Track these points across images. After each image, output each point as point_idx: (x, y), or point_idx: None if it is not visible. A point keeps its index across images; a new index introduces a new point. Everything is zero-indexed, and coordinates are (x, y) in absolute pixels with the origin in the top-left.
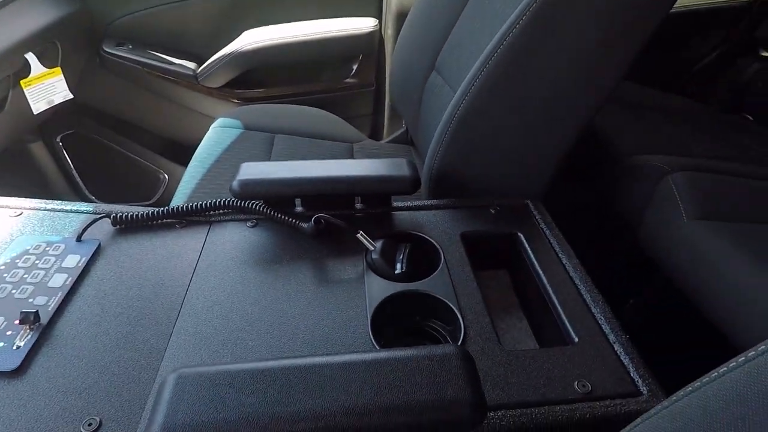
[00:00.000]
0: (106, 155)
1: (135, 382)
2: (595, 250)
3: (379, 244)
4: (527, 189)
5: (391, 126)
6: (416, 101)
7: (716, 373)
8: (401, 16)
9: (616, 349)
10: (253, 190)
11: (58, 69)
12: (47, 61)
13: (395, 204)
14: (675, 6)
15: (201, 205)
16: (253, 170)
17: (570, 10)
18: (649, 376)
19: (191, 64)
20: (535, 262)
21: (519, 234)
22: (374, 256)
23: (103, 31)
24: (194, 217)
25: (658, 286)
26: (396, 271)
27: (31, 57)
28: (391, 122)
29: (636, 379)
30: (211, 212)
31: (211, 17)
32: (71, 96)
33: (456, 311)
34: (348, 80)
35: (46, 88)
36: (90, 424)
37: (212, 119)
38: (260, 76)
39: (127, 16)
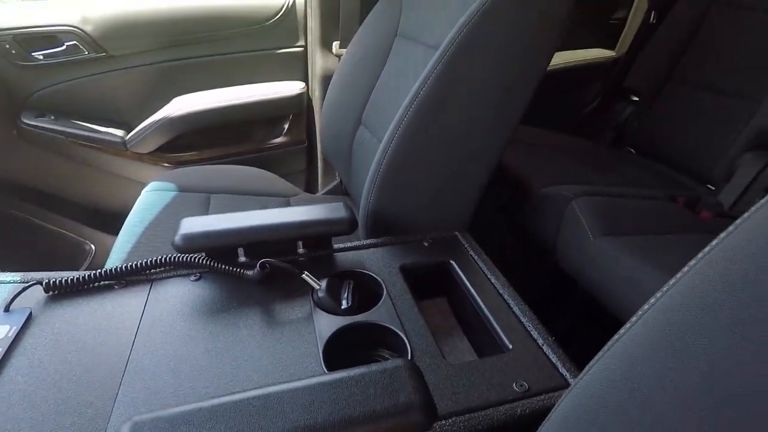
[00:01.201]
0: (27, 230)
1: None
2: (523, 275)
3: (324, 282)
4: (455, 221)
5: (325, 179)
6: (347, 154)
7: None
8: (326, 79)
9: (545, 350)
10: (196, 243)
11: None
12: None
13: (336, 246)
14: (561, 63)
15: (141, 263)
16: (194, 224)
17: (471, 65)
18: (576, 369)
19: (119, 132)
20: (469, 286)
21: (452, 262)
22: (320, 294)
23: (21, 104)
24: (134, 276)
25: (580, 300)
26: (342, 307)
27: None
28: (324, 176)
29: (564, 374)
30: (152, 270)
31: (137, 86)
32: None
33: (401, 335)
34: (280, 139)
35: None
36: None
37: (143, 185)
38: (192, 139)
39: (48, 88)
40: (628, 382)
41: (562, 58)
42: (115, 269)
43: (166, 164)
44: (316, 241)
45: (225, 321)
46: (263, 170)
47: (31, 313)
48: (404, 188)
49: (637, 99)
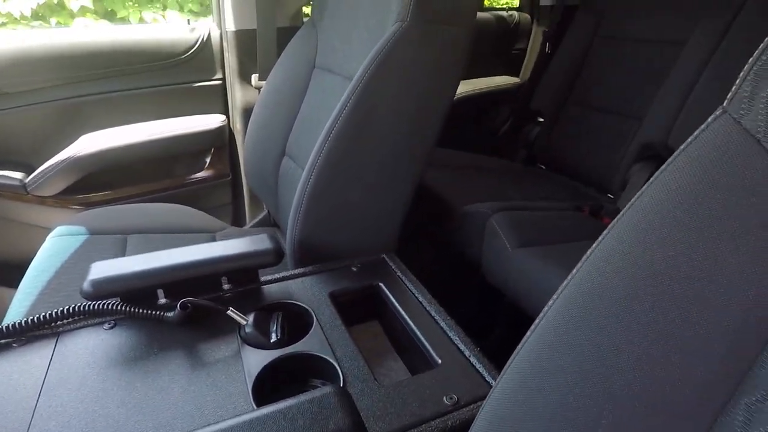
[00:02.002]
0: None
1: None
2: (452, 291)
3: (251, 317)
4: (381, 244)
5: (252, 211)
6: (273, 185)
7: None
8: (247, 111)
9: (472, 361)
10: (108, 288)
11: None
12: None
13: (263, 278)
14: (474, 89)
15: (43, 316)
16: (105, 268)
17: (383, 95)
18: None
19: (16, 174)
20: (398, 307)
21: (381, 285)
22: (248, 329)
23: None
24: (36, 331)
25: (507, 311)
26: (272, 340)
27: None
28: (252, 208)
29: (491, 382)
30: (58, 322)
31: (38, 124)
32: None
33: (333, 362)
34: (203, 173)
35: None
36: None
37: (46, 230)
38: (105, 178)
39: None
40: (536, 380)
41: (474, 85)
42: (13, 325)
43: (75, 206)
44: (242, 275)
45: (144, 369)
46: (186, 206)
47: None
48: (329, 215)
49: (543, 120)
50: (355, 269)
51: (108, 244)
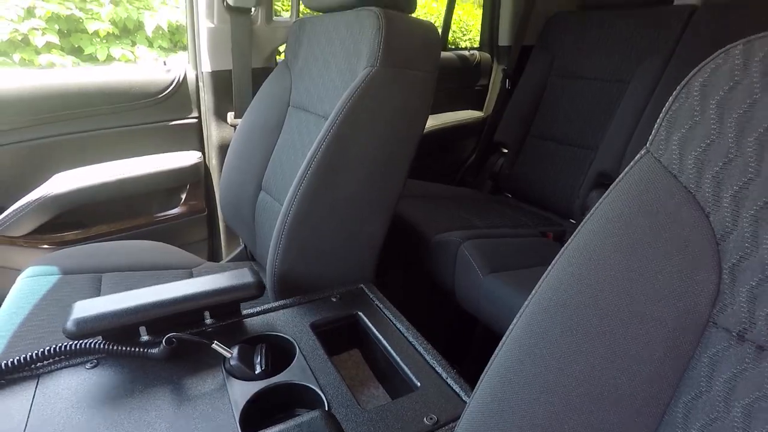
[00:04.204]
0: None
1: None
2: (428, 318)
3: (235, 350)
4: (359, 274)
5: (228, 247)
6: (249, 219)
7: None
8: (222, 148)
9: (449, 383)
10: (91, 327)
11: None
12: None
13: (245, 312)
14: (441, 123)
15: (22, 358)
16: (87, 307)
17: (356, 132)
18: None
19: None
20: (378, 334)
21: (360, 314)
22: (232, 362)
23: None
24: (14, 374)
25: (481, 335)
26: (256, 372)
27: None
28: (228, 243)
29: (467, 400)
30: (37, 364)
31: (6, 164)
32: None
33: (317, 389)
34: (178, 209)
35: None
36: None
37: (15, 271)
38: (77, 216)
39: None
40: (506, 392)
41: (440, 120)
42: None
43: (46, 246)
44: (224, 309)
45: (129, 406)
46: (161, 243)
47: None
48: (308, 248)
49: (507, 151)
50: (334, 299)
51: (82, 284)
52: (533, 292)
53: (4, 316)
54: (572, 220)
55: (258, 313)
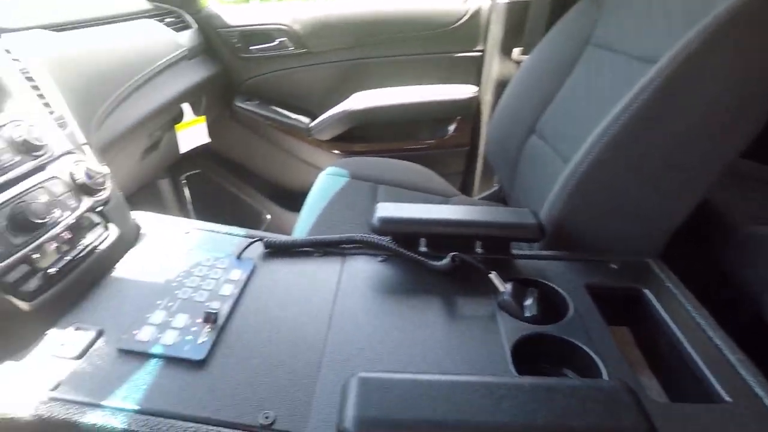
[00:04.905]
0: (220, 193)
1: (298, 386)
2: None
3: (509, 286)
4: (644, 248)
5: (482, 184)
6: (513, 161)
7: None
8: (500, 84)
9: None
10: (390, 226)
11: (203, 117)
12: (195, 111)
13: (515, 252)
14: None
15: (338, 238)
16: (389, 209)
17: (694, 87)
18: None
19: (305, 119)
20: (668, 321)
21: (645, 291)
22: (505, 297)
23: (236, 89)
24: (331, 248)
25: None
26: (526, 314)
27: (185, 106)
28: (482, 181)
29: None
30: (346, 245)
31: (326, 80)
32: (209, 140)
33: (593, 355)
34: (444, 140)
35: (193, 133)
36: (267, 417)
37: (317, 168)
38: (363, 131)
39: (256, 77)
40: None
41: None
42: (320, 239)
43: (338, 152)
44: (495, 242)
45: (411, 304)
46: (424, 167)
47: (254, 264)
48: (595, 203)
49: None
50: (614, 266)
51: (363, 189)
52: None
53: (309, 204)
54: None
55: (528, 257)
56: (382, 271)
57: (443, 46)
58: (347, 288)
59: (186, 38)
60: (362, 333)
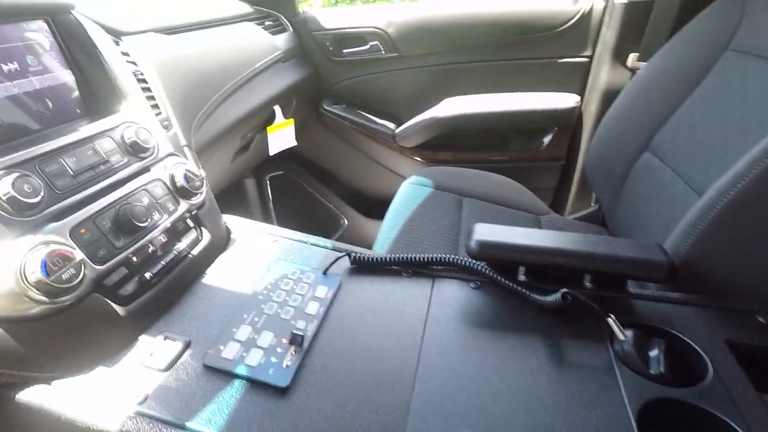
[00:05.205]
0: (300, 195)
1: (386, 429)
2: None
3: (629, 333)
4: None
5: (576, 202)
6: (618, 180)
7: None
8: (609, 93)
9: None
10: (489, 251)
11: (292, 120)
12: (285, 113)
13: (632, 290)
14: None
15: (429, 258)
16: (488, 231)
17: None
18: None
19: (391, 125)
20: None
21: None
22: (625, 347)
23: (325, 92)
24: (421, 268)
25: None
26: (652, 371)
27: (277, 109)
28: (577, 198)
29: None
30: (437, 267)
31: (415, 85)
32: (295, 143)
33: None
34: (537, 152)
35: (282, 135)
36: None
37: (398, 176)
38: (449, 139)
39: (345, 81)
40: None
41: None
42: (409, 258)
43: (421, 159)
44: (608, 278)
45: (510, 343)
46: (514, 181)
47: (340, 280)
48: (737, 246)
49: None
50: (762, 320)
51: (448, 201)
52: None
53: (392, 213)
54: None
55: (649, 298)
56: (477, 300)
57: (545, 51)
58: (438, 315)
59: (282, 41)
60: (456, 373)
